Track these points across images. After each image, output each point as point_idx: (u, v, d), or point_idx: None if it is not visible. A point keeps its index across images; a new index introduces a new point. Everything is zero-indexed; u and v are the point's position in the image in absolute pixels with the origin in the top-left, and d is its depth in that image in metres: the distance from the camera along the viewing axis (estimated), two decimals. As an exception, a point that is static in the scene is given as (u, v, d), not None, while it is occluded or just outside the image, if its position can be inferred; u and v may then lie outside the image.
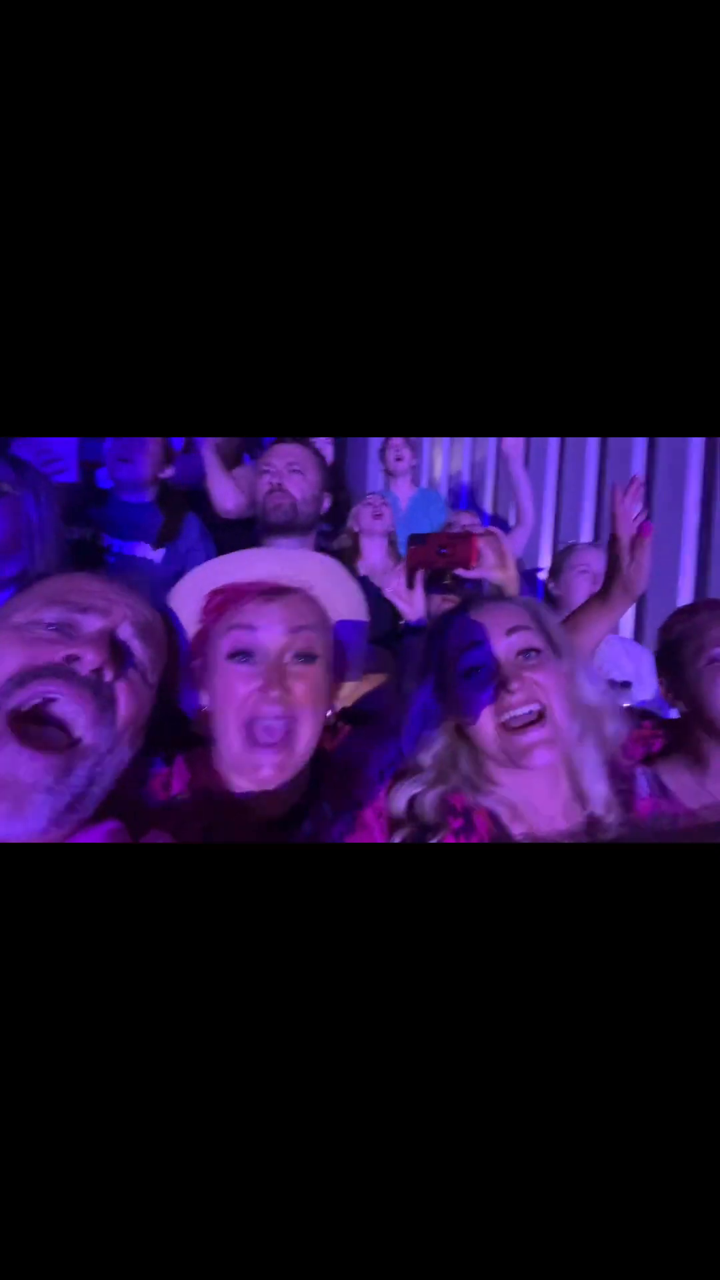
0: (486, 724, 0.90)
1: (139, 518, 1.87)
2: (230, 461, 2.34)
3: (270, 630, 0.83)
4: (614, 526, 1.15)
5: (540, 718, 0.89)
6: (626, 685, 1.92)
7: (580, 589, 2.19)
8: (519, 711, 0.89)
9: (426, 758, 0.94)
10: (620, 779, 1.00)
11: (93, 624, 0.72)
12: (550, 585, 2.28)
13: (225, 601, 0.87)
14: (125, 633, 0.74)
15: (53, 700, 0.66)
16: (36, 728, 0.65)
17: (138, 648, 0.74)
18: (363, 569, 2.50)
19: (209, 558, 1.99)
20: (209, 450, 2.15)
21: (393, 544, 2.72)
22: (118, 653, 0.72)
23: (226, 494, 2.16)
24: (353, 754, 0.96)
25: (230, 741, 0.83)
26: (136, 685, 0.72)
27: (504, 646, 0.92)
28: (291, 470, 1.57)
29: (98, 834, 0.67)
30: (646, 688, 1.96)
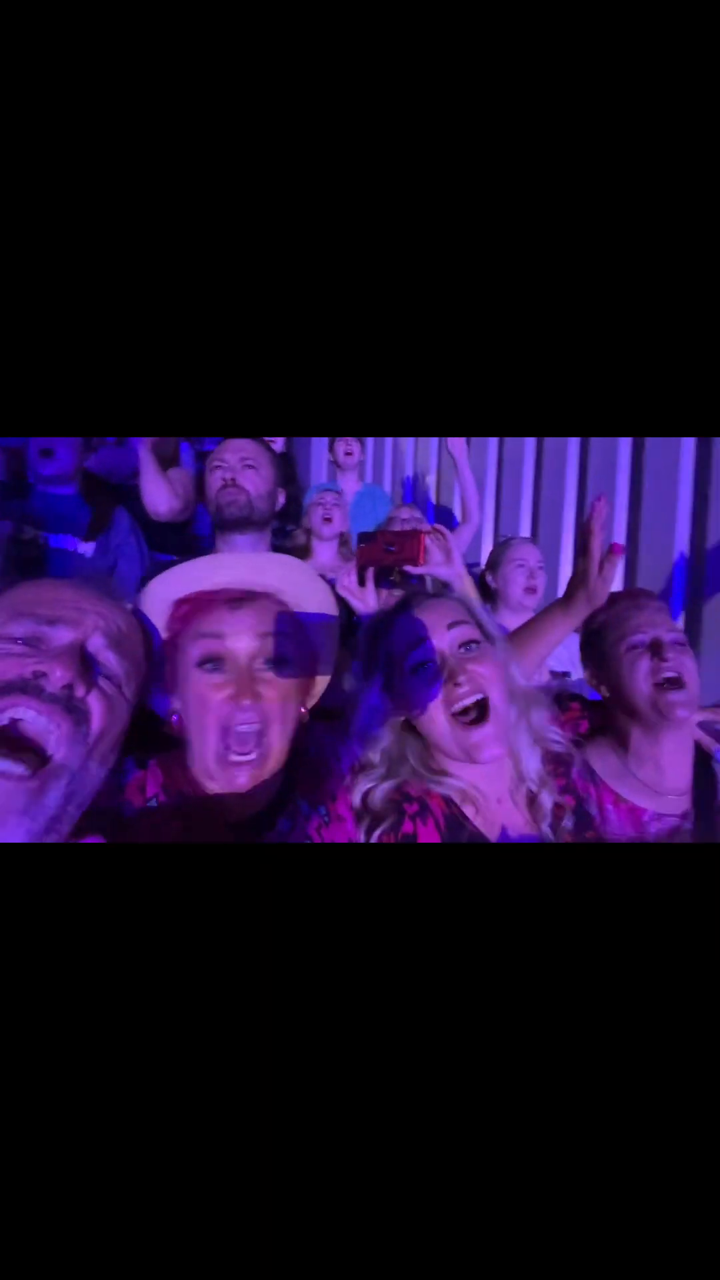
0: (437, 716, 0.96)
1: (63, 509, 1.82)
2: (167, 461, 2.26)
3: (238, 638, 0.86)
4: (588, 539, 1.20)
5: (484, 707, 0.95)
6: (565, 675, 2.01)
7: (517, 582, 2.30)
8: (466, 703, 0.95)
9: (375, 755, 1.00)
10: (556, 759, 1.09)
11: (62, 636, 0.70)
12: (488, 578, 2.38)
13: (192, 610, 0.88)
14: (96, 644, 0.72)
15: (20, 720, 0.64)
16: (6, 749, 0.63)
17: (111, 659, 0.72)
18: (314, 568, 2.53)
19: (140, 552, 1.99)
20: (145, 449, 2.05)
21: (344, 544, 2.78)
22: (88, 666, 0.70)
23: (159, 497, 2.08)
24: (325, 749, 1.00)
25: (205, 750, 0.85)
26: (111, 697, 0.71)
27: (447, 640, 0.98)
28: (245, 465, 1.58)
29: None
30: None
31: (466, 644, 0.99)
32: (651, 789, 1.19)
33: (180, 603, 0.90)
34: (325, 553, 2.72)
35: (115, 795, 0.86)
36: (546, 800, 1.03)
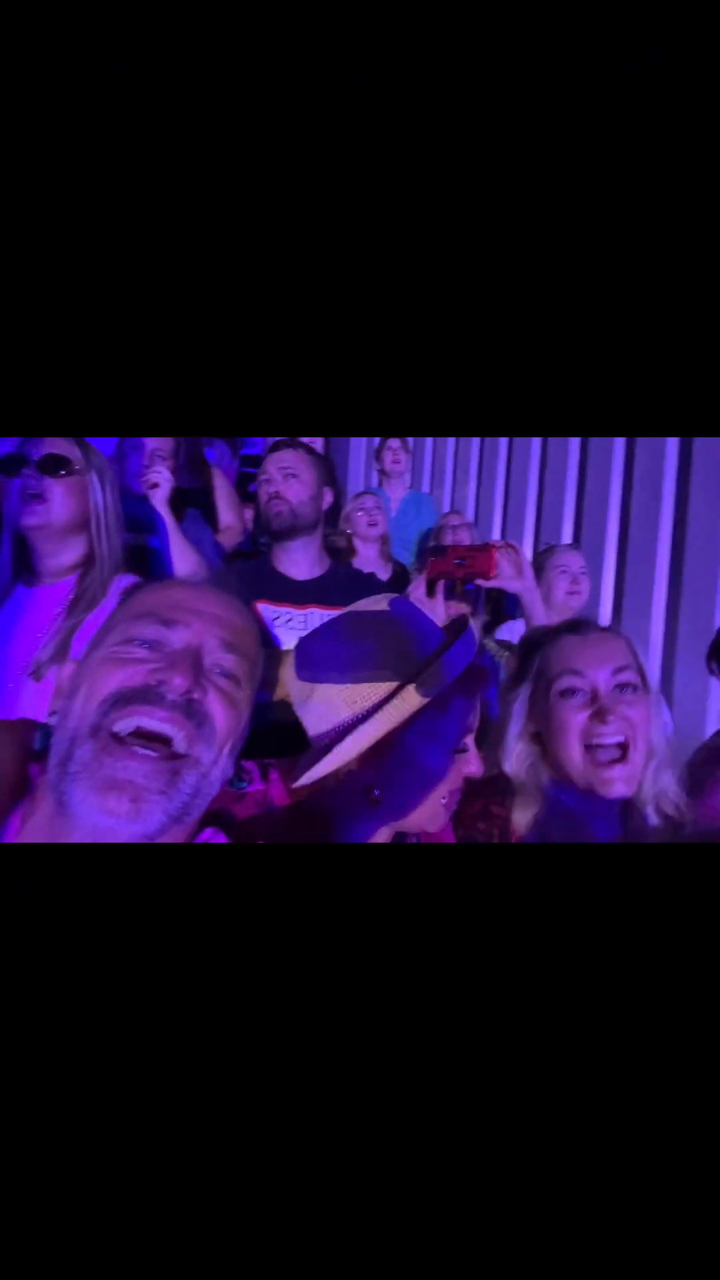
0: (573, 744, 0.97)
1: (138, 511, 1.89)
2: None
3: None
4: None
5: (625, 750, 0.96)
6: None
7: (560, 587, 2.30)
8: (606, 741, 0.96)
9: (521, 770, 1.03)
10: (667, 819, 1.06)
11: (179, 638, 0.71)
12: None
13: None
14: (212, 645, 0.72)
15: (144, 727, 0.67)
16: (139, 740, 0.67)
17: (228, 660, 0.73)
18: (360, 566, 2.62)
19: (215, 552, 2.03)
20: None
21: (385, 544, 2.84)
22: (202, 670, 0.71)
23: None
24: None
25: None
26: (231, 696, 0.72)
27: (606, 677, 0.98)
28: (286, 476, 1.63)
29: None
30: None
31: (624, 686, 0.98)
32: None
33: None
34: (369, 552, 2.83)
35: (236, 801, 0.85)
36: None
